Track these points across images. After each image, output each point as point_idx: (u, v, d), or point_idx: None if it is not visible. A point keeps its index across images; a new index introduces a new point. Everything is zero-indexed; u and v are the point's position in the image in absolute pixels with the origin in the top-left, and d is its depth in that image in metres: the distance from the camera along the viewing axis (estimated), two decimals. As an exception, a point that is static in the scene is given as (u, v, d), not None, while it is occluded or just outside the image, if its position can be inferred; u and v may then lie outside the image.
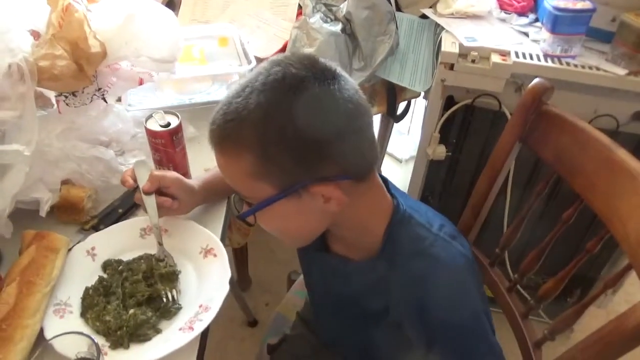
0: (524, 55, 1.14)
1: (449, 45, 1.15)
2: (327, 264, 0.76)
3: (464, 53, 1.14)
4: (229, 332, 1.62)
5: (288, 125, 0.54)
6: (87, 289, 0.73)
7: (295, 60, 0.57)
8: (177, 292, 0.74)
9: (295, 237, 0.70)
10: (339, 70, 0.59)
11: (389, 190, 0.68)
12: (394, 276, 0.66)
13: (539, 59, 1.13)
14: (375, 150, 0.64)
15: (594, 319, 0.68)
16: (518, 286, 0.96)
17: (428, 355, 0.65)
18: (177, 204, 0.79)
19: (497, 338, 0.72)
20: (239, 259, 1.59)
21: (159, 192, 0.78)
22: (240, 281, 1.70)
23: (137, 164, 0.80)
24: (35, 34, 0.86)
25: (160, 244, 0.78)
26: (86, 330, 0.67)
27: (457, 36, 1.17)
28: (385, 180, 0.70)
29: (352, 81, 0.60)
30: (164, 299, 0.72)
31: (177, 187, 0.79)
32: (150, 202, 0.77)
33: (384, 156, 2.14)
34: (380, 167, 2.17)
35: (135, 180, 0.78)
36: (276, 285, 1.73)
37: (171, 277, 0.75)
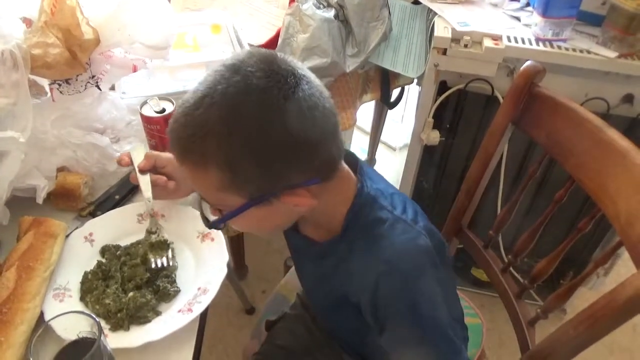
0: (516, 40, 1.14)
1: (441, 30, 1.16)
2: (298, 244, 0.77)
3: (456, 38, 1.15)
4: (226, 320, 1.63)
5: (253, 139, 0.53)
6: (86, 274, 0.74)
7: (255, 68, 0.54)
8: (167, 260, 0.75)
9: (263, 233, 0.72)
10: (301, 70, 0.57)
11: (357, 171, 0.68)
12: (352, 258, 0.65)
13: (530, 43, 1.14)
14: (340, 149, 0.62)
15: (586, 302, 0.69)
16: (511, 269, 0.97)
17: (382, 340, 0.64)
18: (172, 183, 0.79)
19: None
20: (235, 247, 1.60)
21: (155, 172, 0.79)
22: (237, 269, 1.71)
23: (134, 147, 0.81)
24: (27, 22, 0.86)
25: (152, 215, 0.80)
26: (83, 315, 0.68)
27: (449, 21, 1.18)
28: (355, 160, 0.69)
29: (316, 83, 0.58)
30: (153, 265, 0.74)
31: (173, 166, 0.80)
32: (145, 179, 0.78)
33: (377, 144, 2.14)
34: (375, 155, 2.18)
35: (131, 160, 0.79)
36: (272, 273, 1.74)
37: (162, 246, 0.76)
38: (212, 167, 0.55)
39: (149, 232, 0.79)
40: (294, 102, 0.54)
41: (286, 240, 0.82)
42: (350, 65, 1.22)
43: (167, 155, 0.80)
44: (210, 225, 0.64)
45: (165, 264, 0.75)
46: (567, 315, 1.46)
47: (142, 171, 0.78)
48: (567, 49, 1.12)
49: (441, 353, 0.63)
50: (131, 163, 0.79)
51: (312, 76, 0.59)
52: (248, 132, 0.53)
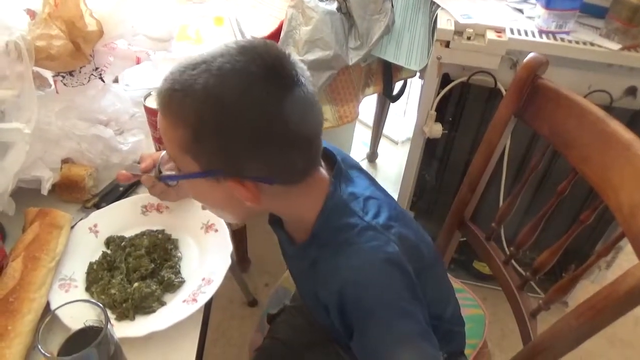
0: (519, 32, 1.14)
1: (444, 23, 1.16)
2: (281, 240, 0.76)
3: (459, 30, 1.15)
4: (229, 312, 1.64)
5: (225, 118, 0.54)
6: (91, 264, 0.74)
7: (260, 58, 0.55)
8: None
9: (221, 214, 0.71)
10: (302, 78, 0.57)
11: (333, 174, 0.66)
12: (321, 263, 0.65)
13: (533, 35, 1.13)
14: (313, 162, 0.62)
15: (588, 295, 0.69)
16: (514, 262, 0.98)
17: (352, 346, 0.63)
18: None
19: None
20: (238, 240, 1.61)
21: None
22: (240, 262, 1.71)
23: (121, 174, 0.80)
24: (31, 13, 0.86)
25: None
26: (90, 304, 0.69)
27: (452, 13, 1.17)
28: (333, 161, 0.67)
29: (309, 91, 0.58)
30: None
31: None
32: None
33: (380, 138, 2.15)
34: (377, 149, 2.18)
35: (132, 175, 0.78)
36: (275, 266, 1.75)
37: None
38: (180, 126, 0.56)
39: None
40: (278, 101, 0.54)
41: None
42: (353, 58, 1.22)
43: (158, 153, 0.80)
44: (160, 177, 0.65)
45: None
46: (568, 309, 1.47)
47: (147, 171, 0.77)
48: (570, 41, 1.11)
49: None
50: (133, 176, 0.78)
51: (310, 87, 0.58)
52: (224, 110, 0.54)
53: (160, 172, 0.65)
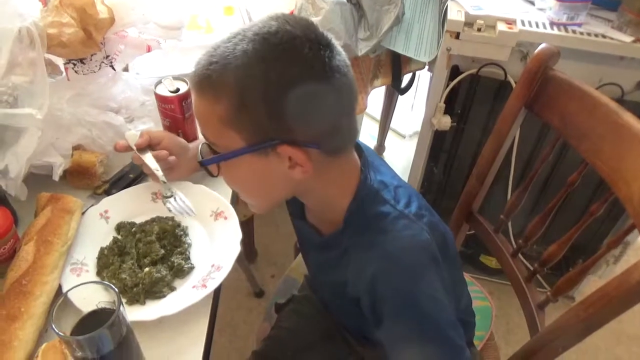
0: (530, 24, 1.14)
1: (455, 14, 1.15)
2: (304, 232, 0.77)
3: (469, 22, 1.14)
4: (236, 303, 1.65)
5: (270, 80, 0.53)
6: (102, 249, 0.75)
7: (293, 20, 0.56)
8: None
9: (255, 198, 0.68)
10: (334, 41, 0.58)
11: (362, 162, 0.67)
12: (353, 252, 0.65)
13: (545, 27, 1.13)
14: (353, 132, 0.62)
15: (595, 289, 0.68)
16: (521, 256, 0.97)
17: (380, 334, 0.63)
18: (173, 158, 0.81)
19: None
20: (245, 231, 1.59)
21: (153, 150, 0.81)
22: (247, 253, 1.72)
23: (129, 134, 0.82)
24: (43, 0, 0.86)
25: (164, 182, 0.80)
26: (102, 287, 0.69)
27: (463, 5, 1.17)
28: (361, 150, 0.68)
29: (344, 55, 0.58)
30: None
31: (169, 139, 0.82)
32: (148, 156, 0.79)
33: (387, 131, 2.14)
34: (384, 142, 2.18)
35: (128, 145, 0.80)
36: (282, 257, 1.76)
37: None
38: (222, 96, 0.55)
39: (165, 197, 0.80)
40: (319, 57, 0.54)
41: (293, 226, 0.82)
42: (362, 48, 1.21)
43: (160, 131, 0.83)
44: (202, 162, 0.62)
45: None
46: (575, 303, 1.46)
47: (141, 149, 0.79)
48: (581, 33, 1.11)
49: (439, 352, 0.61)
50: (127, 145, 0.80)
51: (342, 52, 0.59)
52: (266, 71, 0.53)
53: (202, 157, 0.63)
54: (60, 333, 0.51)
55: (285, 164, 0.58)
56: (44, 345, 0.60)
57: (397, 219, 0.62)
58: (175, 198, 0.80)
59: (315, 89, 0.54)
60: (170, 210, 0.79)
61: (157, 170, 0.79)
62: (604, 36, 1.10)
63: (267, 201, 0.69)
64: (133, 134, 0.82)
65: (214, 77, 0.55)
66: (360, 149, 0.68)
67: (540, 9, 1.18)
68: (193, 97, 0.59)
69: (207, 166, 0.63)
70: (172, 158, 0.81)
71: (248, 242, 1.69)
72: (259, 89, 0.54)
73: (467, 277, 1.10)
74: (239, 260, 0.75)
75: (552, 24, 1.13)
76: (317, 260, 0.79)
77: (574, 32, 1.11)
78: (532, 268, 0.93)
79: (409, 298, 0.60)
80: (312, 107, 0.55)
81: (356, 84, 0.60)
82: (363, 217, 0.64)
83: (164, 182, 0.80)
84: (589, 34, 1.10)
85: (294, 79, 0.53)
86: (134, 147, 0.80)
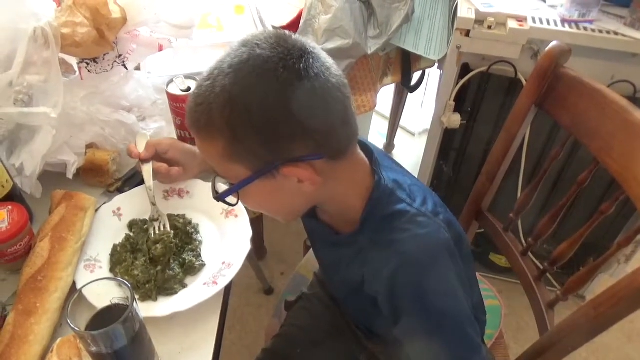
0: (540, 21, 1.13)
1: (465, 11, 1.15)
2: (317, 231, 0.77)
3: (480, 19, 1.14)
4: (245, 300, 1.66)
5: (252, 107, 0.54)
6: (115, 246, 0.76)
7: (262, 40, 0.56)
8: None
9: (279, 214, 0.70)
10: (310, 46, 0.57)
11: (372, 163, 0.67)
12: (371, 250, 0.65)
13: (556, 24, 1.12)
14: (350, 127, 0.61)
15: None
16: (530, 254, 0.97)
17: (397, 331, 0.64)
18: (175, 170, 0.82)
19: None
20: (255, 229, 1.60)
21: (159, 158, 0.82)
22: (256, 250, 1.73)
23: (139, 135, 0.83)
24: (57, 1, 0.88)
25: (153, 204, 0.81)
26: (115, 284, 0.70)
27: (473, 2, 1.16)
28: (370, 151, 0.68)
29: (324, 57, 0.58)
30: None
31: (175, 150, 0.83)
32: (147, 168, 0.81)
33: (397, 129, 2.14)
34: (394, 140, 2.17)
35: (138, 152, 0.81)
36: (291, 255, 1.77)
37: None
38: (217, 135, 0.56)
39: (151, 220, 0.80)
40: (294, 71, 0.54)
41: (303, 223, 0.83)
42: (372, 46, 1.21)
43: (168, 140, 0.83)
44: (218, 197, 0.63)
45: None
46: (585, 303, 1.46)
47: (144, 161, 0.80)
48: (593, 31, 1.10)
49: (457, 349, 0.62)
50: (137, 155, 0.81)
51: (322, 53, 0.58)
52: (246, 100, 0.54)
53: (217, 192, 0.64)
54: (75, 328, 0.52)
55: (293, 181, 0.59)
56: (58, 340, 0.61)
57: (415, 217, 0.63)
58: (160, 222, 0.80)
59: (299, 104, 0.54)
60: (148, 233, 0.79)
61: (150, 190, 0.80)
62: (616, 33, 1.09)
63: (291, 214, 0.70)
64: (144, 134, 0.83)
65: (202, 121, 0.56)
66: (369, 150, 0.68)
67: (552, 6, 1.17)
68: (196, 141, 0.61)
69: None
70: (176, 170, 0.82)
71: (258, 240, 1.70)
72: (246, 120, 0.54)
73: (476, 275, 1.10)
74: (248, 257, 0.76)
75: (563, 21, 1.12)
76: (330, 257, 0.80)
77: (585, 29, 1.10)
78: (542, 267, 0.92)
79: (428, 296, 0.61)
80: (300, 122, 0.55)
81: (343, 80, 0.60)
82: (380, 216, 0.64)
83: (153, 205, 0.81)
84: (600, 31, 1.09)
85: (276, 102, 0.54)
86: (139, 156, 0.81)
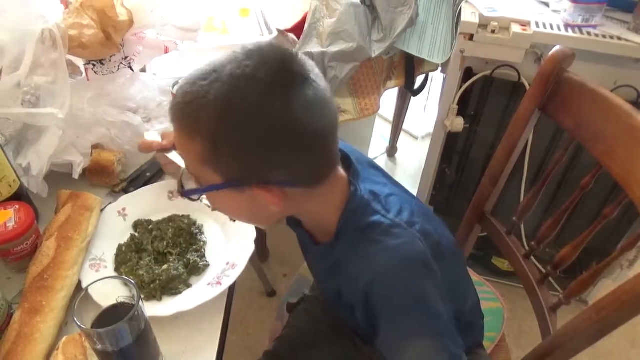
0: (544, 25, 1.13)
1: (469, 16, 1.15)
2: (302, 238, 0.77)
3: (484, 23, 1.14)
4: (247, 302, 1.67)
5: (240, 127, 0.54)
6: (120, 246, 0.77)
7: (269, 60, 0.55)
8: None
9: (248, 222, 0.70)
10: (311, 75, 0.56)
11: (349, 174, 0.66)
12: (347, 262, 0.65)
13: (559, 29, 1.12)
14: (332, 160, 0.61)
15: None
16: (533, 258, 0.97)
17: (377, 343, 0.63)
18: None
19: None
20: (258, 231, 1.63)
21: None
22: (259, 252, 1.74)
23: (148, 134, 0.83)
24: (65, 2, 0.89)
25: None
26: (120, 283, 0.71)
27: (477, 6, 1.17)
28: (349, 161, 0.67)
29: (322, 88, 0.57)
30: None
31: None
32: (174, 155, 0.79)
33: (400, 132, 2.14)
34: (397, 143, 2.18)
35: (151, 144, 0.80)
36: (293, 257, 1.77)
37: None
38: (197, 138, 0.56)
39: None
40: (286, 103, 0.54)
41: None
42: (376, 50, 1.22)
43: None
44: (183, 193, 0.63)
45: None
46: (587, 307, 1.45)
47: (166, 149, 0.79)
48: (597, 35, 1.10)
49: None
50: (154, 147, 0.80)
51: (322, 84, 0.57)
52: (238, 117, 0.54)
53: (182, 187, 0.65)
54: (82, 325, 0.53)
55: (260, 199, 0.59)
56: (64, 338, 0.62)
57: (389, 229, 0.62)
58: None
59: (283, 135, 0.54)
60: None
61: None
62: (619, 38, 1.09)
63: (261, 224, 0.71)
64: (153, 134, 0.83)
65: (190, 117, 0.56)
66: (348, 158, 0.67)
67: (555, 11, 1.18)
68: (174, 132, 0.60)
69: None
70: None
71: (260, 241, 1.71)
72: (228, 133, 0.54)
73: (478, 278, 1.10)
74: (251, 259, 0.76)
75: (566, 25, 1.13)
76: (315, 265, 0.80)
77: (589, 34, 1.11)
78: (544, 271, 0.93)
79: (402, 308, 0.60)
80: (284, 154, 0.55)
81: (336, 112, 0.59)
82: (354, 228, 0.63)
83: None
84: (604, 36, 1.10)
85: (260, 127, 0.53)
86: (155, 148, 0.80)
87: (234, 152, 0.55)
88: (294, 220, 0.73)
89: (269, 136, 0.54)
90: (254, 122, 0.54)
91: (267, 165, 0.57)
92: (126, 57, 0.93)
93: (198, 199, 0.65)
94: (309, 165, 0.59)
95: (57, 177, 0.85)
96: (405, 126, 2.15)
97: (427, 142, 1.49)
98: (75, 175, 0.83)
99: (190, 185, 0.63)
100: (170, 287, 0.72)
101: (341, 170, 0.66)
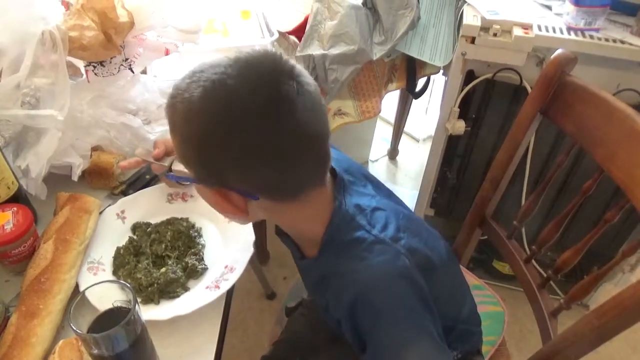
0: (546, 29, 1.13)
1: (470, 19, 1.15)
2: (290, 249, 0.76)
3: (485, 26, 1.14)
4: (247, 304, 1.66)
5: (203, 130, 0.54)
6: (118, 249, 0.76)
7: (252, 73, 0.53)
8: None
9: (227, 217, 0.69)
10: (303, 87, 0.54)
11: (335, 187, 0.64)
12: (332, 277, 0.64)
13: (561, 32, 1.12)
14: (306, 178, 0.59)
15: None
16: (534, 262, 0.97)
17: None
18: None
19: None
20: (257, 233, 1.61)
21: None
22: (259, 255, 1.73)
23: (138, 152, 0.81)
24: (66, 4, 0.89)
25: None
26: (118, 287, 0.71)
27: (479, 9, 1.16)
28: (335, 174, 0.65)
29: (306, 102, 0.54)
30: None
31: None
32: (169, 159, 0.79)
33: (401, 135, 2.14)
34: (398, 145, 2.17)
35: (142, 160, 0.80)
36: (294, 261, 1.76)
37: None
38: (174, 132, 0.58)
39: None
40: (255, 119, 0.52)
41: None
42: (377, 52, 1.22)
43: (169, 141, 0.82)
44: (168, 173, 0.68)
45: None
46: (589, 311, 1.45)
47: (159, 158, 0.78)
48: (599, 39, 1.10)
49: None
50: (143, 161, 0.79)
51: (309, 101, 0.55)
52: (202, 123, 0.54)
53: (170, 170, 0.67)
54: (77, 330, 0.52)
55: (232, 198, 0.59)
56: (60, 342, 0.61)
57: (372, 245, 0.61)
58: None
59: (244, 148, 0.53)
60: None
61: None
62: (622, 42, 1.08)
63: (239, 221, 0.71)
64: (146, 150, 0.82)
65: (168, 112, 0.57)
66: (335, 171, 0.66)
67: (557, 14, 1.18)
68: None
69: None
70: None
71: (260, 244, 1.70)
72: (193, 135, 0.55)
73: (479, 281, 1.10)
74: (251, 261, 0.76)
75: (569, 29, 1.12)
76: (305, 278, 0.80)
77: (591, 37, 1.10)
78: (545, 275, 0.92)
79: (387, 325, 0.59)
80: (239, 164, 0.55)
81: (327, 129, 0.58)
82: (338, 244, 0.63)
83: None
84: (606, 40, 1.09)
85: (223, 137, 0.53)
86: (151, 159, 0.79)
87: (195, 153, 0.57)
88: (280, 231, 0.71)
89: (230, 148, 0.54)
90: (216, 132, 0.53)
91: (225, 172, 0.57)
92: (127, 59, 0.93)
93: (179, 183, 0.68)
94: (270, 180, 0.57)
95: (56, 179, 0.85)
96: (406, 129, 2.15)
97: (428, 144, 1.49)
98: (75, 177, 0.83)
99: (177, 168, 0.68)
100: (168, 290, 0.71)
101: (328, 184, 0.64)
